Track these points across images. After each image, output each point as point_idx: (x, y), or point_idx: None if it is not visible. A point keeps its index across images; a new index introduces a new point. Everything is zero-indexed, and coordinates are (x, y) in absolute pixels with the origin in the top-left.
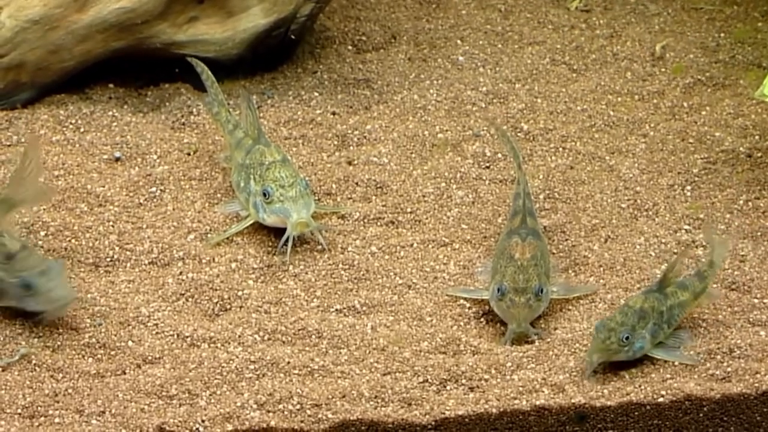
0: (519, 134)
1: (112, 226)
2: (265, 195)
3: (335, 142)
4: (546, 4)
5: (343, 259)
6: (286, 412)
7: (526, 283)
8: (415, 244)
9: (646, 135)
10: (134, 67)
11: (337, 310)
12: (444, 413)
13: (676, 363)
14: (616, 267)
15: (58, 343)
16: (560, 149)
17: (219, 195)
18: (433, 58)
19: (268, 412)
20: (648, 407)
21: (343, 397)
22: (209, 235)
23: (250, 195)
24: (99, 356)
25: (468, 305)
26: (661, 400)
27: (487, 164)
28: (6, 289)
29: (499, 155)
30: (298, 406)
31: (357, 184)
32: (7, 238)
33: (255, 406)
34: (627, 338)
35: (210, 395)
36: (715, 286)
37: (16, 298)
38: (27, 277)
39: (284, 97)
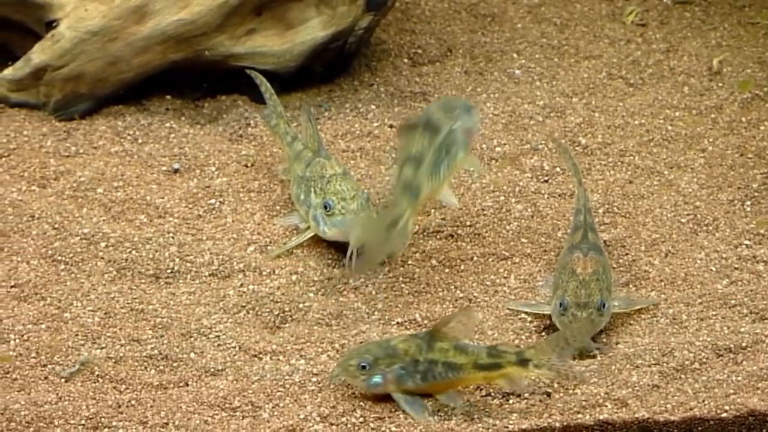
0: (577, 148)
1: (172, 238)
2: (326, 208)
3: (393, 155)
4: (602, 18)
5: (404, 272)
6: (349, 425)
7: (588, 298)
8: (475, 258)
9: (705, 150)
10: (191, 79)
11: (398, 323)
12: (507, 427)
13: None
14: (677, 282)
15: (121, 354)
16: (619, 163)
17: (278, 207)
18: (489, 72)
19: (331, 425)
20: (711, 422)
21: (406, 411)
22: (269, 248)
23: (311, 208)
24: (161, 368)
25: (529, 319)
26: (724, 415)
27: (546, 178)
28: None
29: (558, 169)
30: (361, 420)
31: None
32: None
33: (318, 419)
34: (364, 367)
35: (273, 407)
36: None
37: None
38: None
39: (341, 109)
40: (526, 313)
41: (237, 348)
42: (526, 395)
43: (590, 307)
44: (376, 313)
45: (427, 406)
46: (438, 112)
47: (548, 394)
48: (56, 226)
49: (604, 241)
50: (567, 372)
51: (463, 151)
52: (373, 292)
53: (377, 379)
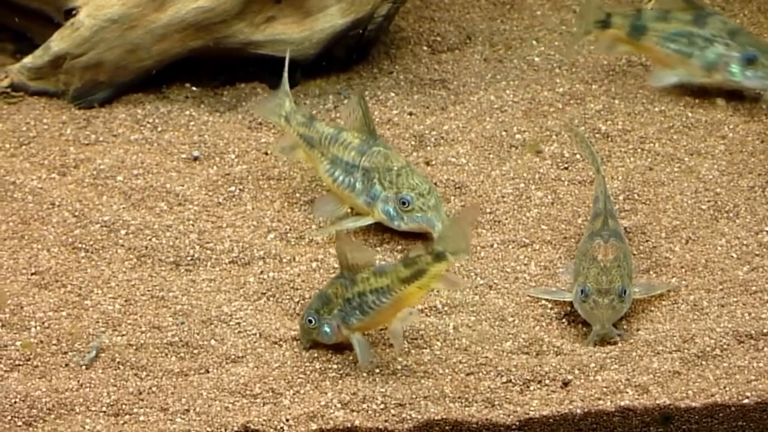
0: (597, 135)
1: (192, 225)
2: (404, 203)
3: (413, 143)
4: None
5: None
6: (370, 412)
7: (610, 284)
8: (495, 245)
9: (725, 137)
10: (211, 67)
11: (419, 310)
12: (528, 413)
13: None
14: (698, 268)
15: (141, 341)
16: (639, 150)
17: (297, 195)
18: (509, 59)
19: (352, 411)
20: (733, 408)
21: (427, 396)
22: (315, 229)
23: (376, 199)
24: (182, 355)
25: (550, 306)
26: (746, 401)
27: (566, 165)
28: None
29: (578, 156)
30: (382, 406)
31: (436, 184)
32: None
33: (339, 406)
34: (311, 321)
35: (294, 394)
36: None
37: None
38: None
39: None
40: (546, 300)
41: (257, 335)
42: (546, 382)
43: (611, 293)
44: None
45: (375, 355)
46: None
47: (568, 382)
48: (76, 213)
49: (625, 228)
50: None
51: None
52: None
53: (327, 329)
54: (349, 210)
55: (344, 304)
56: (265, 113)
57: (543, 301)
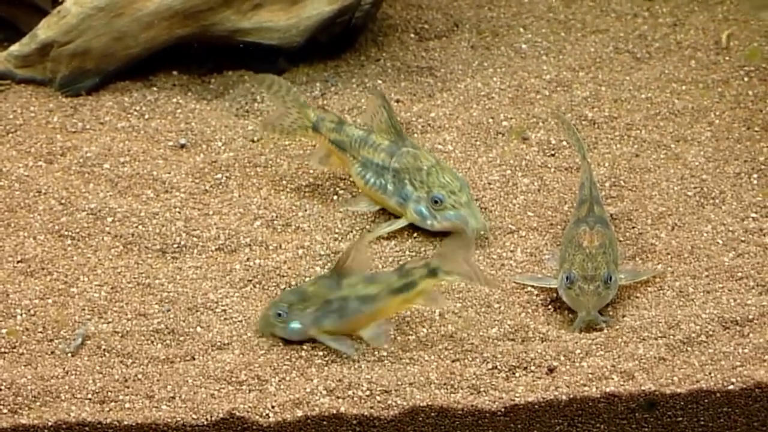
0: (583, 122)
1: (179, 213)
2: (436, 202)
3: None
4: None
5: (410, 245)
6: (355, 398)
7: (595, 271)
8: (482, 231)
9: (712, 123)
10: (198, 55)
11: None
12: (513, 400)
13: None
14: (683, 254)
15: (127, 328)
16: (625, 137)
17: (284, 182)
18: (496, 46)
19: (338, 398)
20: (718, 395)
21: (412, 383)
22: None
23: (408, 200)
24: (168, 342)
25: (536, 292)
26: (731, 387)
27: (553, 152)
28: None
29: (564, 143)
30: (368, 392)
31: None
32: None
33: (324, 392)
34: (280, 315)
35: (279, 381)
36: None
37: None
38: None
39: (348, 84)
40: (532, 286)
41: (243, 322)
42: (532, 368)
43: (597, 280)
44: None
45: (353, 344)
46: None
47: (553, 368)
48: (63, 201)
49: (611, 215)
50: (475, 275)
51: None
52: (380, 266)
53: (295, 324)
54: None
55: (323, 304)
56: (285, 130)
57: (529, 288)
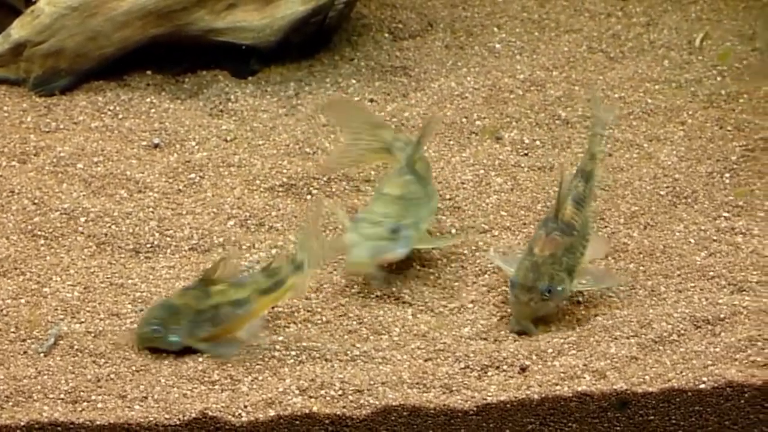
0: (557, 121)
1: (152, 212)
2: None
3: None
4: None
5: None
6: (328, 398)
7: (534, 282)
8: (454, 231)
9: (684, 123)
10: (172, 54)
11: (377, 296)
12: (486, 399)
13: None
14: (656, 254)
15: (100, 328)
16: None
17: (258, 182)
18: (470, 46)
19: (310, 397)
20: (689, 393)
21: (385, 383)
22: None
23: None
24: None
25: (508, 293)
26: (702, 386)
27: (526, 151)
28: None
29: (537, 142)
30: (340, 392)
31: None
32: None
33: (297, 392)
34: (156, 331)
35: (252, 381)
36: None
37: None
38: None
39: (322, 84)
40: (500, 268)
41: None
42: (504, 368)
43: (533, 292)
44: (355, 286)
45: (235, 343)
46: None
47: (525, 368)
48: (36, 201)
49: None
50: (329, 253)
51: None
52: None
53: (174, 338)
54: None
55: (195, 315)
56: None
57: (503, 288)
